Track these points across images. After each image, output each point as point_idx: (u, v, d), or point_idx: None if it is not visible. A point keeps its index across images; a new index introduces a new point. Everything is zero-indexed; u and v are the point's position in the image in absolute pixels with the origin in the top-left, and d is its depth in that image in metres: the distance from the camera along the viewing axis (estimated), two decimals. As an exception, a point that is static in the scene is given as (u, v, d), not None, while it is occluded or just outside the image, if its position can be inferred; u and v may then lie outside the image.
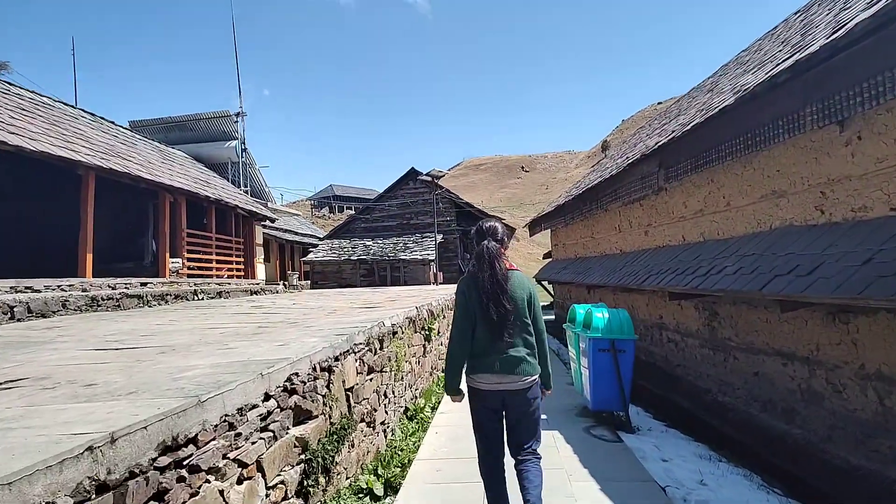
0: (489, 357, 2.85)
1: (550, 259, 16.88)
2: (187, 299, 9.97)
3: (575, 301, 13.44)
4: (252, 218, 14.39)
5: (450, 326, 3.07)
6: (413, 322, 6.08)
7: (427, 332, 6.69)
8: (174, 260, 10.68)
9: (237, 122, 18.25)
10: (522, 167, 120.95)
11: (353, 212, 26.30)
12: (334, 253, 23.67)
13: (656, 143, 6.00)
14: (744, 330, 5.55)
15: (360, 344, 4.06)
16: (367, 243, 24.40)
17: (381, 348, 4.59)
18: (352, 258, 22.92)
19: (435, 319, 7.40)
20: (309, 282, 24.25)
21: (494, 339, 2.84)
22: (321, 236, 29.09)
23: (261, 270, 14.89)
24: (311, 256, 23.90)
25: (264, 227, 19.73)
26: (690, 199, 6.63)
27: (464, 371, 2.99)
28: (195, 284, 10.64)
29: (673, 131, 5.87)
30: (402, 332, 5.51)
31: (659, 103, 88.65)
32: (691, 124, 5.34)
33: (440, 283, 19.14)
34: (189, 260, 11.36)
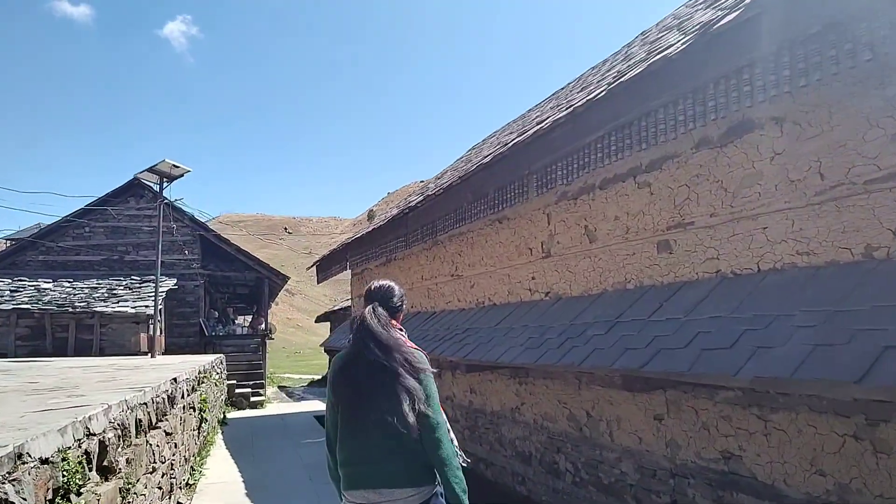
0: (364, 466, 2.02)
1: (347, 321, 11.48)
2: None
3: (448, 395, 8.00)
4: None
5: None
6: None
7: None
8: None
9: None
10: (286, 228, 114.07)
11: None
12: (-31, 297, 13.91)
13: None
14: None
15: None
16: (45, 286, 15.19)
17: None
18: (4, 308, 13.58)
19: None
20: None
21: (370, 440, 2.05)
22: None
23: None
24: (-83, 301, 13.59)
25: None
26: None
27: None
28: None
29: None
30: None
31: (421, 181, 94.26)
32: None
33: (161, 354, 11.83)
34: None
